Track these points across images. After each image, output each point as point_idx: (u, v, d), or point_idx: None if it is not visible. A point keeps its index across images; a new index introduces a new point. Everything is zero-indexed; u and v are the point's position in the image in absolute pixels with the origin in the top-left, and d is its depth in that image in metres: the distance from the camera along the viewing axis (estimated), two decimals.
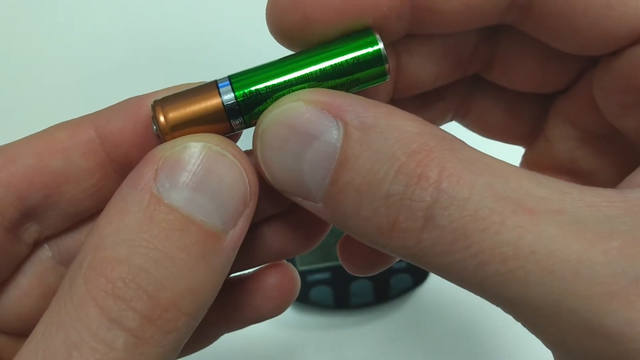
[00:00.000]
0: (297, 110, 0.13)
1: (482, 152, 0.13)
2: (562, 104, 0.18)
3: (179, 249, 0.13)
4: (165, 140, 0.14)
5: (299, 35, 0.14)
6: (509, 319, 0.15)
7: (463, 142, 0.13)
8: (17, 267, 0.17)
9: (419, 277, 0.38)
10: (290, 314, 0.39)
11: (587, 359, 0.12)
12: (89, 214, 0.17)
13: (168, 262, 0.13)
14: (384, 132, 0.13)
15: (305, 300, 0.38)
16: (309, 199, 0.14)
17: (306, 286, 0.38)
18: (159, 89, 0.16)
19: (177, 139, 0.14)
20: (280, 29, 0.15)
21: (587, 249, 0.11)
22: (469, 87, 0.20)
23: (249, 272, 0.21)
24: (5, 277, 0.16)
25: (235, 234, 0.14)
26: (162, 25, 0.50)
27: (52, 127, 0.16)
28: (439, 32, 0.16)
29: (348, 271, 0.21)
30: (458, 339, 0.39)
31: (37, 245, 0.17)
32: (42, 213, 0.16)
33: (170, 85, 0.16)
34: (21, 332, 0.17)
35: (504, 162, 0.13)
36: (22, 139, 0.16)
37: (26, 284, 0.17)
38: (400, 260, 0.21)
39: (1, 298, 0.17)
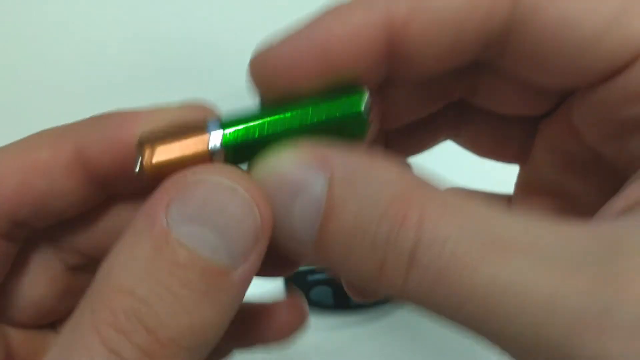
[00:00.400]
0: (282, 167, 0.14)
1: (457, 195, 0.14)
2: (545, 127, 0.19)
3: (183, 285, 0.13)
4: (145, 180, 0.14)
5: (282, 96, 0.15)
6: None
7: (439, 187, 0.14)
8: (18, 264, 0.18)
9: None
10: None
11: None
12: (76, 217, 0.17)
13: (170, 297, 0.13)
14: (367, 180, 0.13)
15: (305, 300, 0.38)
16: (301, 247, 0.14)
17: (306, 286, 0.38)
18: (154, 94, 0.16)
19: (191, 171, 0.14)
20: (264, 90, 0.15)
21: (558, 284, 0.12)
22: (457, 111, 0.20)
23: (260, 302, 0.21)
24: (5, 273, 0.17)
25: (246, 269, 0.14)
26: (163, 31, 0.50)
27: (33, 140, 0.16)
28: (419, 75, 0.16)
29: (355, 299, 0.21)
30: (457, 339, 0.39)
31: (33, 243, 0.18)
32: (34, 223, 0.17)
33: (163, 91, 0.16)
34: (29, 324, 0.18)
35: (479, 203, 0.13)
36: (5, 153, 0.16)
37: (33, 274, 0.18)
38: None
39: (9, 293, 0.17)
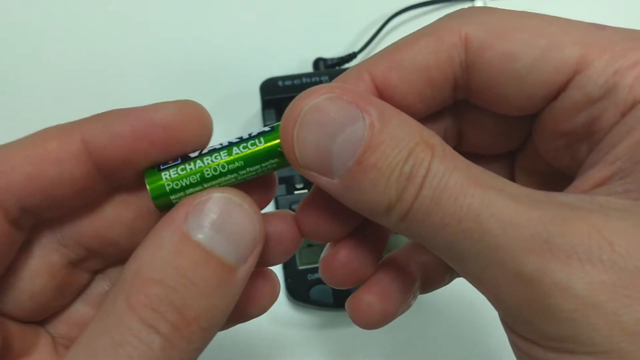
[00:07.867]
0: (334, 101, 0.16)
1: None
2: (521, 158, 0.22)
3: (201, 278, 0.16)
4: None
5: None
6: None
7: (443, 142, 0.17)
8: (22, 257, 0.19)
9: None
10: (290, 313, 0.40)
11: (514, 305, 0.15)
12: (81, 206, 0.19)
13: (192, 287, 0.16)
14: (398, 125, 0.16)
15: (306, 299, 0.39)
16: (326, 175, 0.17)
17: (306, 285, 0.39)
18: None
19: (204, 190, 0.17)
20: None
21: (515, 215, 0.15)
22: None
23: None
24: (10, 261, 0.18)
25: (246, 268, 0.17)
26: (170, 33, 0.50)
27: (42, 133, 0.18)
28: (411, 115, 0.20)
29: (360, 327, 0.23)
30: (455, 337, 0.39)
31: (38, 235, 0.19)
32: (43, 211, 0.18)
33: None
34: (24, 317, 0.19)
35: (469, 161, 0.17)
36: (16, 145, 0.17)
37: (34, 267, 0.19)
38: None
39: (13, 283, 0.19)
